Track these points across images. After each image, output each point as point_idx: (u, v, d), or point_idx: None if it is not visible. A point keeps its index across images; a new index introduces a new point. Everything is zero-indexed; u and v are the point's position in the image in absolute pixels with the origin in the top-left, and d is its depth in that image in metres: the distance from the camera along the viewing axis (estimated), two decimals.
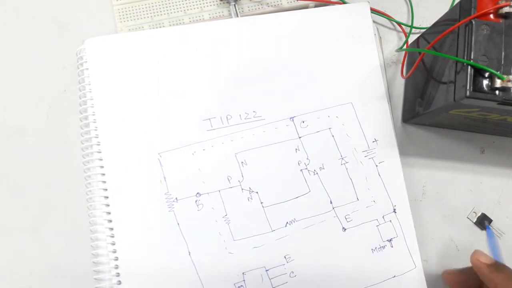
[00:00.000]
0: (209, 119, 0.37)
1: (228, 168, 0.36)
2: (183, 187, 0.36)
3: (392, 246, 0.37)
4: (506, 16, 0.29)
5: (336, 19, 0.39)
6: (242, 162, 0.36)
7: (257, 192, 0.36)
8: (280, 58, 0.38)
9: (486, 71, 0.28)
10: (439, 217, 0.39)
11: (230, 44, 0.38)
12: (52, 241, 0.37)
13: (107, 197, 0.35)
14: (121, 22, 0.40)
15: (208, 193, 0.36)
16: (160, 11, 0.40)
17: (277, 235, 0.36)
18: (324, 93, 0.38)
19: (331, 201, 0.37)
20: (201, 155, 0.36)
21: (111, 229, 0.35)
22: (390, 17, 0.42)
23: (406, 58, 0.39)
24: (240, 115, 0.37)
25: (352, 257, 0.36)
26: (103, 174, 0.35)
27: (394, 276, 0.36)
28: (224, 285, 0.35)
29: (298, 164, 0.37)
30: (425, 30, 0.38)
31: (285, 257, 0.36)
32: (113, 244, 0.34)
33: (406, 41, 0.41)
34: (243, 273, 0.35)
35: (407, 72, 0.39)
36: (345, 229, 0.36)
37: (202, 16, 0.40)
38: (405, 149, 0.39)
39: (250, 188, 0.36)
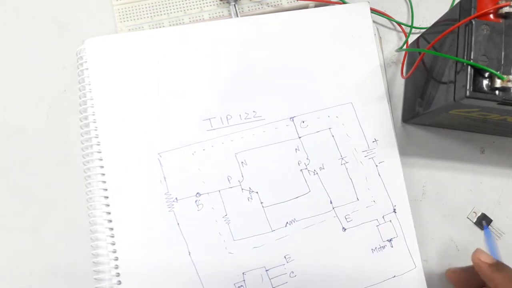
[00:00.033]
0: (209, 119, 0.37)
1: (228, 168, 0.36)
2: (183, 187, 0.36)
3: (392, 246, 0.37)
4: (506, 16, 0.29)
5: (336, 19, 0.39)
6: (242, 162, 0.36)
7: (257, 192, 0.36)
8: (280, 58, 0.38)
9: (486, 71, 0.28)
10: (439, 217, 0.39)
11: (230, 44, 0.38)
12: (52, 241, 0.37)
13: (107, 197, 0.35)
14: (121, 22, 0.40)
15: (208, 193, 0.36)
16: (160, 11, 0.40)
17: (277, 235, 0.36)
18: (324, 93, 0.38)
19: (331, 201, 0.37)
20: (201, 155, 0.36)
21: (111, 229, 0.35)
22: (390, 17, 0.42)
23: (406, 58, 0.39)
24: (240, 115, 0.37)
25: (352, 257, 0.36)
26: (103, 174, 0.35)
27: (394, 276, 0.36)
28: (224, 285, 0.35)
29: (298, 164, 0.37)
30: (425, 30, 0.38)
31: (285, 257, 0.36)
32: (113, 244, 0.34)
33: (406, 41, 0.41)
34: (243, 273, 0.35)
35: (407, 72, 0.39)
36: (345, 229, 0.36)
37: (202, 16, 0.40)
38: (405, 149, 0.39)
39: (250, 188, 0.36)
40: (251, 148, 0.37)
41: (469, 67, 0.28)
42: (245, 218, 0.36)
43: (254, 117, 0.37)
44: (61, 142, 0.38)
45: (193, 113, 0.37)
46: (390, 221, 0.37)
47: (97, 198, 0.35)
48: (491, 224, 0.39)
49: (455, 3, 0.37)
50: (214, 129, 0.37)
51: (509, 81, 0.28)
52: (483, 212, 0.39)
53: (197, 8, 0.40)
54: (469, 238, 0.39)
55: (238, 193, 0.36)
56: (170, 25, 0.40)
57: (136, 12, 0.40)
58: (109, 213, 0.35)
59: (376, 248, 0.37)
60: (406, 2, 0.42)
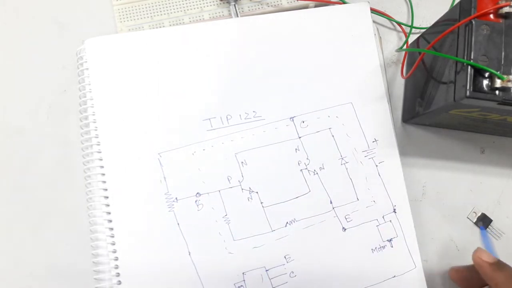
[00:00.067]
0: (209, 119, 0.37)
1: (228, 168, 0.36)
2: (183, 187, 0.36)
3: (392, 246, 0.37)
4: (506, 16, 0.29)
5: (336, 19, 0.39)
6: (242, 162, 0.36)
7: (257, 192, 0.36)
8: (280, 58, 0.38)
9: (486, 71, 0.28)
10: (439, 217, 0.39)
11: (230, 44, 0.38)
12: (52, 241, 0.37)
13: (107, 197, 0.35)
14: (121, 22, 0.40)
15: (208, 193, 0.36)
16: (160, 11, 0.40)
17: (277, 235, 0.36)
18: (324, 93, 0.38)
19: (331, 201, 0.37)
20: (201, 155, 0.36)
21: (111, 229, 0.35)
22: (390, 17, 0.42)
23: (406, 58, 0.39)
24: (240, 115, 0.37)
25: (352, 257, 0.36)
26: (103, 174, 0.35)
27: (394, 276, 0.36)
28: (224, 285, 0.35)
29: (298, 164, 0.37)
30: (425, 30, 0.38)
31: (285, 257, 0.36)
32: (113, 244, 0.34)
33: (406, 41, 0.41)
34: (243, 273, 0.35)
35: (407, 72, 0.39)
36: (345, 229, 0.36)
37: (202, 16, 0.40)
38: (405, 149, 0.39)
39: (250, 188, 0.36)
40: (251, 148, 0.37)
41: (469, 67, 0.28)
42: (245, 218, 0.36)
43: (254, 117, 0.37)
44: (61, 142, 0.38)
45: (193, 113, 0.37)
46: (390, 221, 0.37)
47: (97, 198, 0.35)
48: (491, 224, 0.39)
49: (455, 3, 0.37)
50: (214, 129, 0.37)
51: (509, 81, 0.28)
52: (483, 212, 0.39)
53: (197, 8, 0.40)
54: (469, 238, 0.39)
55: (238, 193, 0.36)
56: (170, 25, 0.40)
57: (136, 12, 0.40)
58: (109, 213, 0.35)
59: (376, 248, 0.37)
60: (406, 2, 0.42)
